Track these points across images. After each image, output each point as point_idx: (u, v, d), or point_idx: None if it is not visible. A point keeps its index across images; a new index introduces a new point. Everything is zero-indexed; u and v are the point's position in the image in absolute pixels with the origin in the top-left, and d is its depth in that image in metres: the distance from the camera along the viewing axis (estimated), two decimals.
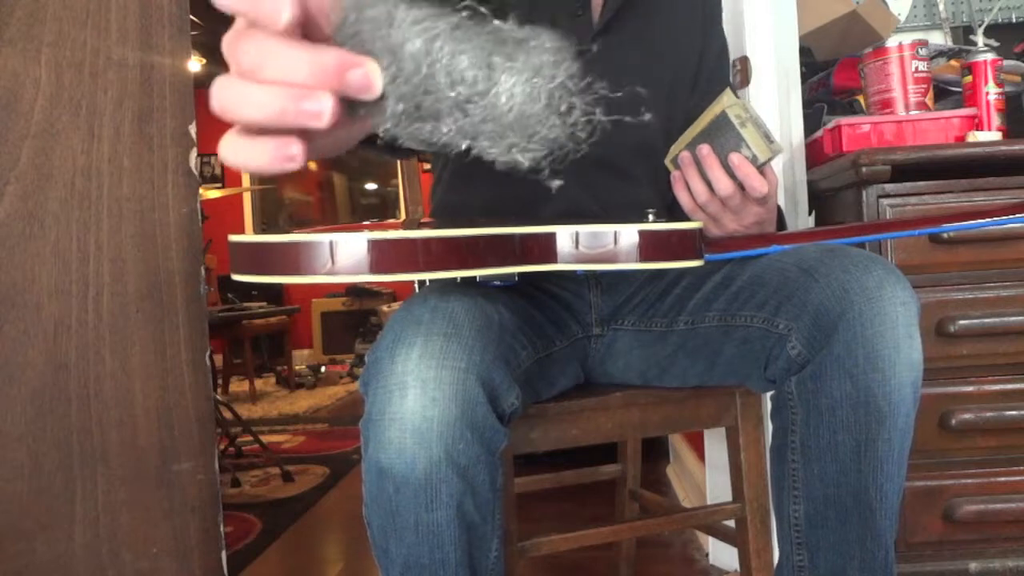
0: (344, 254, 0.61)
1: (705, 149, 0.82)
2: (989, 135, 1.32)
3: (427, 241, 0.62)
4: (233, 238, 0.66)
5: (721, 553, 1.60)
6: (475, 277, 0.67)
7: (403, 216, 1.17)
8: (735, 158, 0.81)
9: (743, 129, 0.81)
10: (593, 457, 1.50)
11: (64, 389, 0.97)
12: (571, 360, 0.98)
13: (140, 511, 1.01)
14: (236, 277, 0.66)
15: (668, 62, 1.02)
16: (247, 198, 6.55)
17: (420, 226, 0.73)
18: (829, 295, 0.76)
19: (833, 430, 0.76)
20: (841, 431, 0.76)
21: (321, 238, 0.61)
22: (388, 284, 5.93)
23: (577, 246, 0.71)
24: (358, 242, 0.61)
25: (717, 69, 1.07)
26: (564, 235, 0.71)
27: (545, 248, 0.70)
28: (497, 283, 0.70)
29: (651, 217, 0.74)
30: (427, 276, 0.63)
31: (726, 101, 0.81)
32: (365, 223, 6.40)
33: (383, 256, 0.61)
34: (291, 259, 0.61)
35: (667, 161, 0.90)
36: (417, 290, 0.89)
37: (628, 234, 0.71)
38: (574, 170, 0.95)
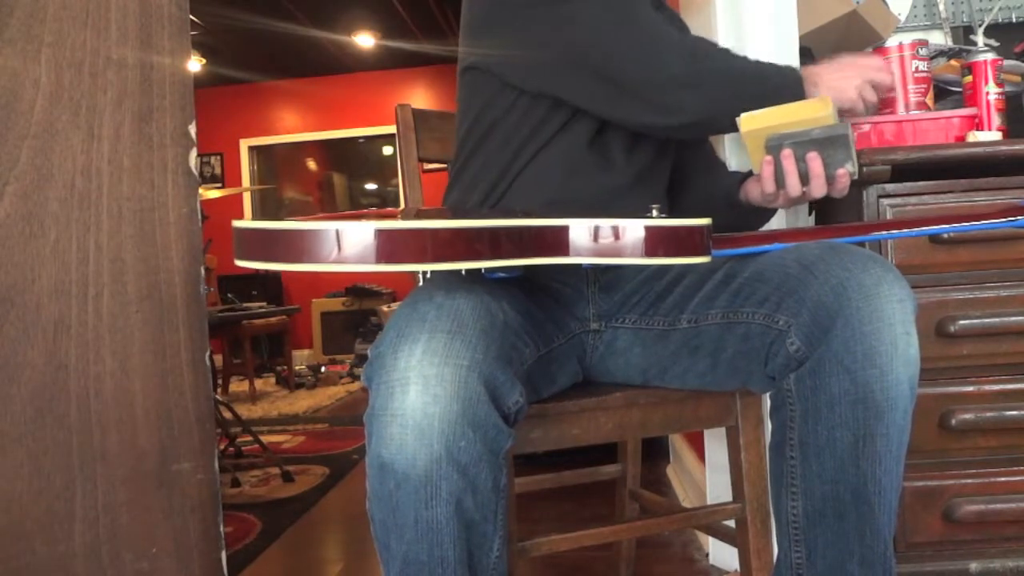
0: (351, 243, 0.60)
1: (817, 165, 0.92)
2: (989, 135, 1.32)
3: (436, 232, 0.61)
4: (237, 224, 0.65)
5: (721, 553, 1.60)
6: (480, 269, 0.67)
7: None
8: (842, 173, 0.92)
9: (852, 147, 0.91)
10: (593, 457, 1.50)
11: (64, 389, 0.97)
12: (570, 357, 0.98)
13: (140, 511, 1.01)
14: (239, 263, 0.65)
15: None
16: (247, 198, 6.56)
17: (419, 214, 0.73)
18: (827, 291, 0.76)
19: (831, 426, 0.77)
20: (839, 427, 0.76)
21: (328, 226, 0.60)
22: (389, 283, 5.93)
23: (585, 239, 0.71)
24: (365, 231, 0.60)
25: None
26: (574, 228, 0.71)
27: (554, 241, 0.70)
28: (502, 275, 0.70)
29: (655, 212, 0.74)
30: (434, 267, 0.63)
31: (835, 118, 0.92)
32: (363, 211, 6.39)
33: (390, 245, 0.60)
34: (297, 246, 0.60)
35: (749, 134, 0.94)
36: (420, 282, 0.89)
37: (634, 229, 0.71)
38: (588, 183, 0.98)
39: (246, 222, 0.64)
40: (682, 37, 0.97)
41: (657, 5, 1.05)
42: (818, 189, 0.93)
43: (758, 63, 0.98)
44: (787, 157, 0.93)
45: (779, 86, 0.94)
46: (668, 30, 0.94)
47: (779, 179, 0.95)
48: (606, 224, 0.71)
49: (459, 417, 0.66)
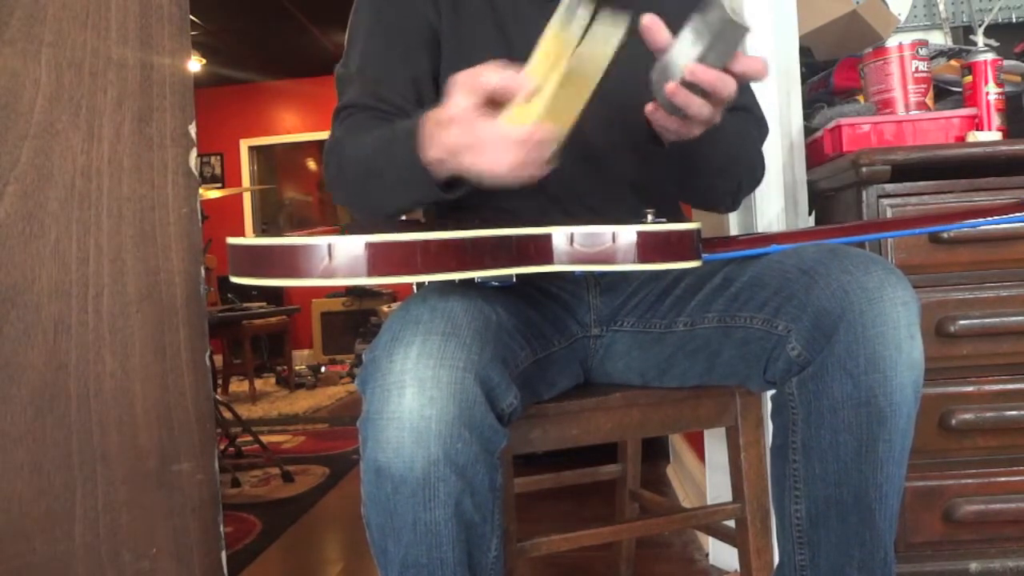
0: (341, 256, 0.61)
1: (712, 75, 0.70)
2: (989, 135, 1.32)
3: (425, 243, 0.62)
4: (231, 240, 0.66)
5: (721, 553, 1.60)
6: (473, 278, 0.67)
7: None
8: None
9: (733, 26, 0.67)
10: (593, 457, 1.50)
11: (64, 389, 0.97)
12: (571, 361, 0.98)
13: (140, 511, 1.01)
14: (234, 279, 0.65)
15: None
16: (247, 198, 6.55)
17: (402, 226, 0.73)
18: (829, 296, 0.75)
19: (834, 430, 0.76)
20: (843, 431, 0.76)
21: (319, 240, 0.61)
22: (388, 285, 5.92)
23: (574, 247, 0.71)
24: (355, 244, 0.61)
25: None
26: (561, 236, 0.71)
27: (542, 249, 0.70)
28: (495, 283, 0.70)
29: (650, 217, 0.74)
30: (425, 278, 0.63)
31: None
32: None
33: (380, 258, 0.61)
34: (289, 261, 0.61)
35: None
36: (415, 291, 0.89)
37: (626, 235, 0.71)
38: (557, 174, 0.95)
39: (239, 239, 0.65)
40: (340, 146, 0.93)
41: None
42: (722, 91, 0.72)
43: (386, 144, 0.83)
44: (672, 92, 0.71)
45: (396, 158, 0.79)
46: (345, 141, 0.92)
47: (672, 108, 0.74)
48: (598, 231, 0.71)
49: (456, 419, 0.65)
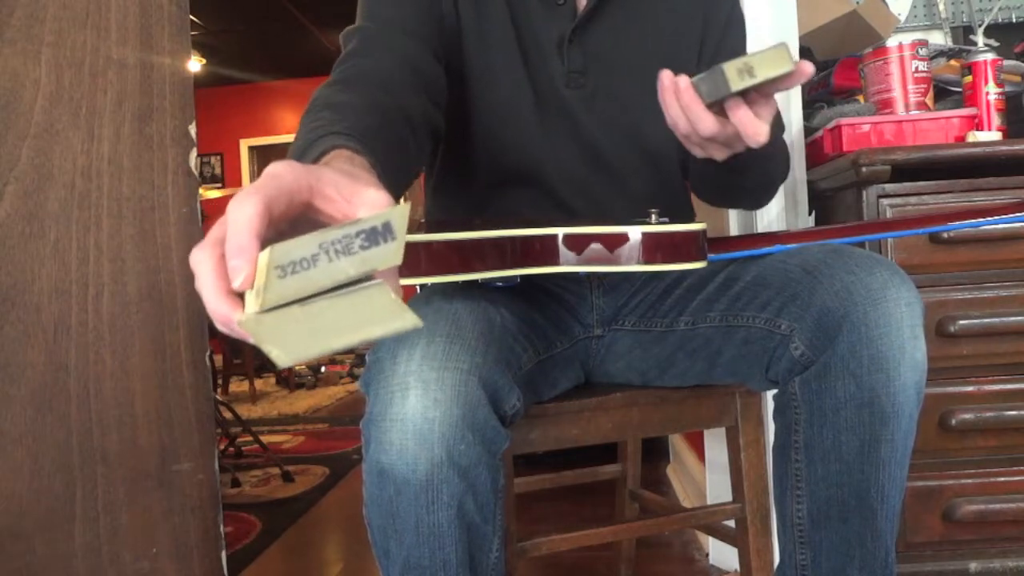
0: None
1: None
2: (989, 135, 1.32)
3: (429, 245, 0.62)
4: None
5: (721, 553, 1.60)
6: (477, 279, 0.67)
7: None
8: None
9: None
10: (593, 457, 1.50)
11: (64, 389, 0.97)
12: (572, 361, 0.98)
13: (140, 511, 1.01)
14: None
15: (666, 52, 0.98)
16: None
17: (418, 227, 0.73)
18: (833, 296, 0.75)
19: (837, 431, 0.76)
20: (845, 432, 0.76)
21: None
22: None
23: (579, 247, 0.71)
24: None
25: (722, 42, 0.99)
26: (565, 237, 0.71)
27: (547, 249, 0.70)
28: (499, 283, 0.70)
29: (653, 218, 0.74)
30: (429, 280, 0.63)
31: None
32: None
33: None
34: None
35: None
36: (419, 292, 0.88)
37: (631, 235, 0.71)
38: (566, 175, 0.95)
39: None
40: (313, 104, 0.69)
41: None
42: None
43: (310, 129, 0.62)
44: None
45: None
46: (316, 100, 0.69)
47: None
48: (600, 231, 0.71)
49: (459, 421, 0.65)
